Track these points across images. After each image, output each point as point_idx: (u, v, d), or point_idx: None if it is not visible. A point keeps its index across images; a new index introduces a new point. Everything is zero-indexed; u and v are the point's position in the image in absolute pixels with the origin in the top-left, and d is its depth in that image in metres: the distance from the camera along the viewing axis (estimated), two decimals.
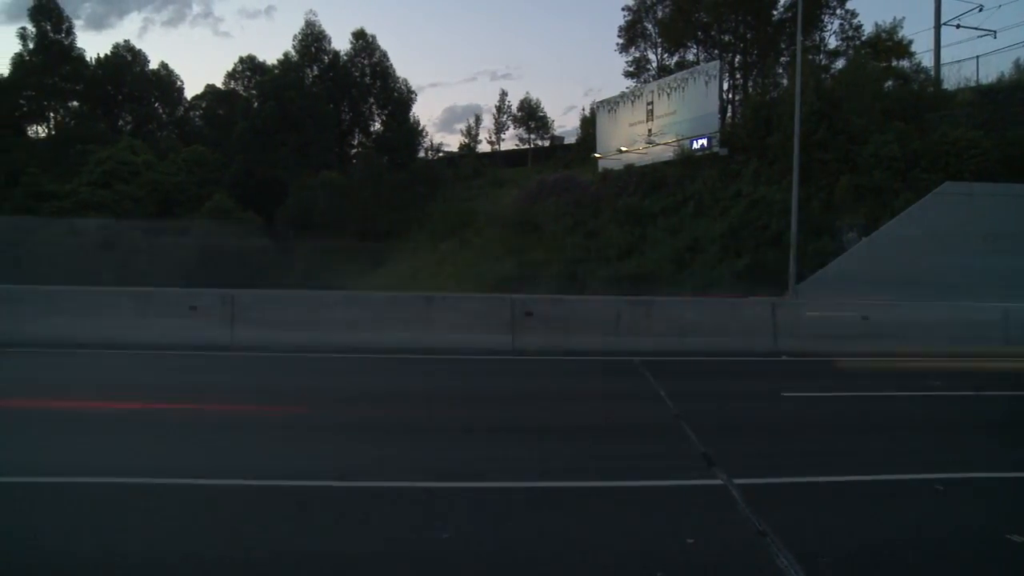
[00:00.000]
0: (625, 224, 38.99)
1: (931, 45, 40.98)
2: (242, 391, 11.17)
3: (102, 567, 5.16)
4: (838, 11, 52.90)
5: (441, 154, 74.09)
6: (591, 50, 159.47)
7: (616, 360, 13.89)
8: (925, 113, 31.87)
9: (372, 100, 71.85)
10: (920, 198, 23.31)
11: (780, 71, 51.94)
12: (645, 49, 62.51)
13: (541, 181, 50.28)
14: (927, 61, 44.10)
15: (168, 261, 47.96)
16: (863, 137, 31.18)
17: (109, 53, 78.66)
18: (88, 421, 8.95)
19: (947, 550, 5.70)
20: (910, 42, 44.33)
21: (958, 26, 37.91)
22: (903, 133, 30.18)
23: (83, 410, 9.45)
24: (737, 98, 54.48)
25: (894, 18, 54.53)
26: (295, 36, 70.67)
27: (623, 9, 61.73)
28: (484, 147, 78.18)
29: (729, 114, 50.28)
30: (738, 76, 55.91)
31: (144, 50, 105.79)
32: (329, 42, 70.75)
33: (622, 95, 49.92)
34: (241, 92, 77.27)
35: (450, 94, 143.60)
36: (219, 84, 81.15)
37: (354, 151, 72.08)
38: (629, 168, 44.41)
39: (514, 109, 77.61)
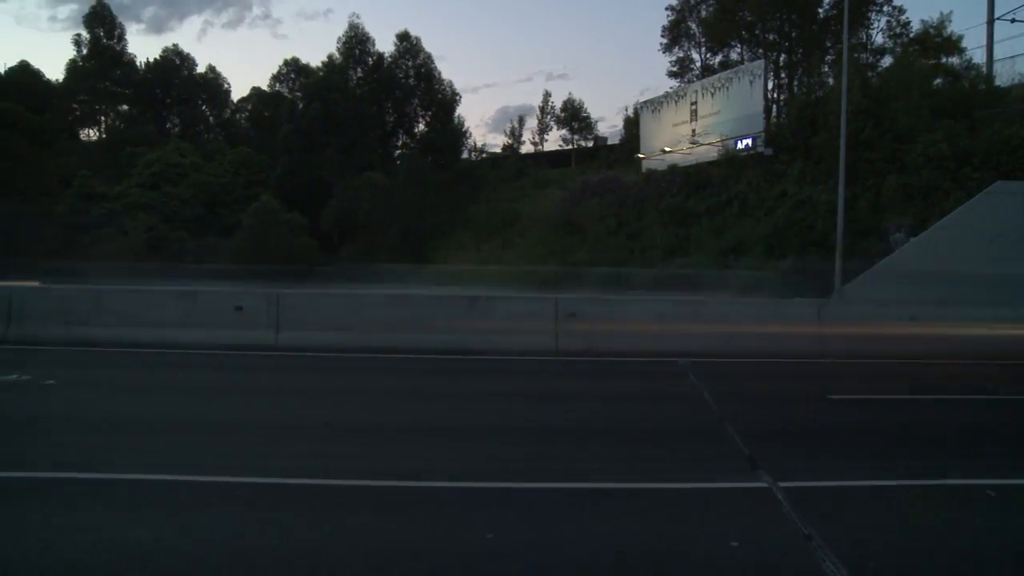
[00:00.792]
0: (669, 225, 38.85)
1: (983, 41, 40.34)
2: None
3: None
4: (885, 8, 52.26)
5: (485, 155, 74.30)
6: (648, 50, 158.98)
7: (659, 361, 13.86)
8: (976, 110, 31.35)
9: (416, 101, 72.22)
10: (971, 198, 22.92)
11: (826, 70, 51.36)
12: (689, 49, 62.28)
13: (585, 182, 50.19)
14: (978, 57, 43.29)
15: (214, 262, 48.60)
16: (911, 136, 30.79)
17: (158, 57, 79.87)
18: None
19: (999, 557, 5.62)
20: (960, 38, 43.63)
21: (1012, 20, 37.21)
22: (953, 131, 29.74)
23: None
24: (782, 97, 54.03)
25: (942, 14, 53.51)
26: (339, 39, 71.24)
27: (667, 9, 61.57)
28: (528, 148, 78.29)
29: (774, 114, 49.88)
30: (783, 75, 55.42)
31: (204, 53, 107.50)
32: (373, 44, 71.28)
33: (666, 95, 49.72)
34: (286, 94, 78.13)
35: (504, 94, 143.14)
36: (264, 86, 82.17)
37: (398, 152, 72.53)
38: (673, 168, 44.20)
39: (557, 110, 77.62)
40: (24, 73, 79.06)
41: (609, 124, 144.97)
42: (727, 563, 5.29)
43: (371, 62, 71.03)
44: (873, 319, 15.60)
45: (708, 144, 42.77)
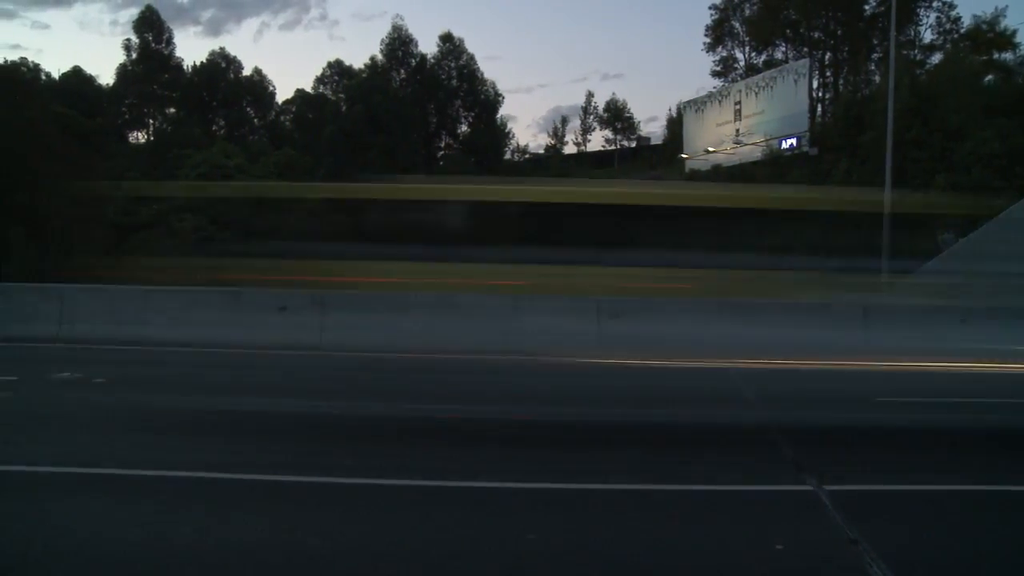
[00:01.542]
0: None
1: None
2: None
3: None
4: (934, 3, 51.40)
5: (528, 155, 74.29)
6: (691, 49, 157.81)
7: (704, 363, 13.76)
8: None
9: (459, 102, 72.40)
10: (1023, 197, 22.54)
11: (872, 68, 50.76)
12: (732, 48, 61.79)
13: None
14: None
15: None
16: (961, 134, 30.32)
17: (205, 60, 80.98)
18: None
19: None
20: (1014, 32, 42.71)
21: None
22: (1005, 129, 29.21)
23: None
24: (827, 97, 53.41)
25: (995, 8, 52.37)
26: (382, 40, 71.66)
27: (710, 8, 61.13)
28: (571, 148, 78.16)
29: (819, 113, 49.33)
30: (828, 74, 54.80)
31: (259, 55, 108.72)
32: (416, 45, 71.57)
33: (709, 95, 49.47)
34: (330, 96, 78.72)
35: (559, 95, 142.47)
36: (308, 88, 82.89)
37: (441, 153, 72.76)
38: (716, 168, 43.96)
39: (600, 110, 77.41)
40: (77, 78, 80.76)
41: (659, 123, 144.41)
42: (771, 566, 5.25)
43: (414, 63, 71.33)
44: (921, 321, 15.36)
45: (752, 144, 42.49)
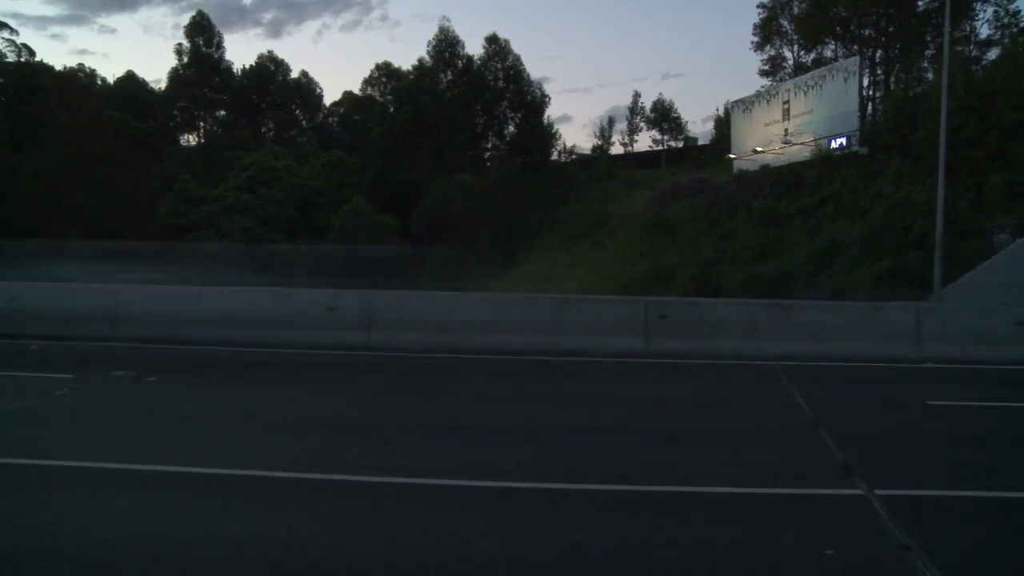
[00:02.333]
0: (761, 226, 38.21)
1: None
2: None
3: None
4: None
5: (574, 156, 74.22)
6: (738, 48, 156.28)
7: (751, 364, 13.66)
8: None
9: (505, 103, 72.54)
10: None
11: (925, 65, 49.79)
12: (781, 47, 61.12)
13: (675, 183, 49.76)
14: None
15: (306, 262, 49.63)
16: (1019, 131, 29.68)
17: (254, 64, 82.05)
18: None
19: None
20: None
21: None
22: None
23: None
24: (878, 95, 52.64)
25: None
26: (429, 42, 72.03)
27: (758, 6, 60.48)
28: (618, 149, 77.92)
29: (869, 111, 48.64)
30: (879, 72, 54.00)
31: (318, 55, 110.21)
32: (463, 47, 71.85)
33: (757, 94, 48.97)
34: (377, 98, 79.33)
35: (617, 95, 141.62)
36: (356, 90, 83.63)
37: (488, 154, 73.02)
38: (765, 169, 43.50)
39: (647, 110, 77.04)
40: (131, 83, 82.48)
41: (706, 123, 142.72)
42: (821, 571, 5.21)
43: (461, 65, 71.60)
44: (975, 324, 15.08)
45: (801, 144, 41.96)
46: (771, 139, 45.21)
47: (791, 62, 60.16)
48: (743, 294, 26.69)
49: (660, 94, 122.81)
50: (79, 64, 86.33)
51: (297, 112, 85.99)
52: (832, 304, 18.18)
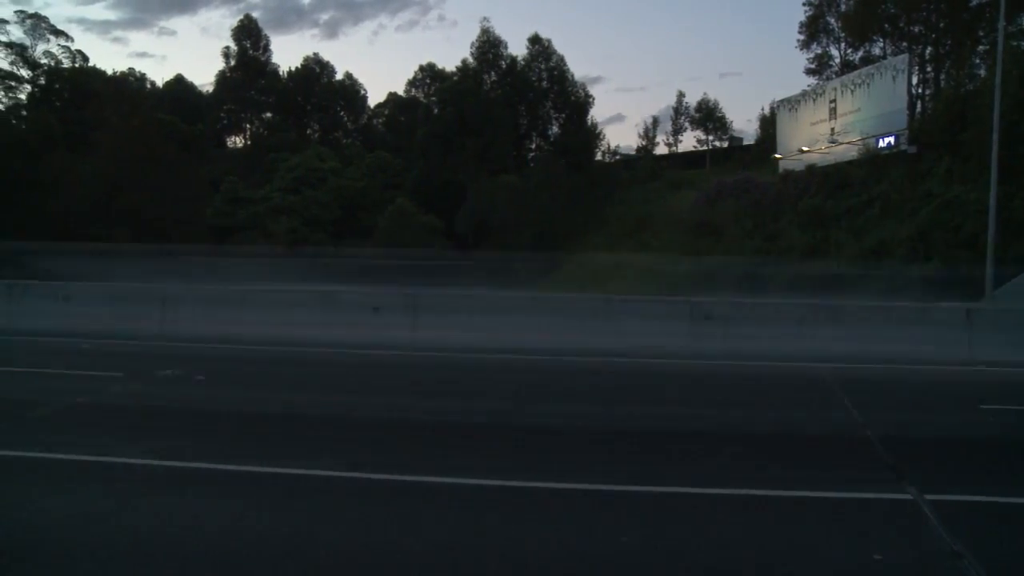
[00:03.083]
0: (807, 226, 37.89)
1: None
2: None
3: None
4: None
5: (618, 156, 74.00)
6: (784, 47, 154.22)
7: (797, 366, 13.53)
8: None
9: (549, 103, 72.50)
10: None
11: (977, 61, 48.85)
12: (827, 45, 60.42)
13: (720, 183, 49.43)
14: None
15: (352, 262, 50.03)
16: None
17: (299, 66, 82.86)
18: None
19: None
20: None
21: None
22: None
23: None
24: (927, 93, 51.84)
25: None
26: (472, 43, 72.22)
27: (804, 4, 59.84)
28: (662, 149, 77.50)
29: (918, 110, 47.91)
30: (928, 69, 53.14)
31: (374, 55, 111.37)
32: (506, 48, 71.94)
33: (803, 93, 48.54)
34: (421, 99, 79.69)
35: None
36: (400, 92, 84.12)
37: (531, 154, 73.01)
38: (811, 168, 43.11)
39: (692, 110, 76.50)
40: (179, 86, 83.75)
41: (750, 122, 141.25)
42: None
43: (504, 66, 71.68)
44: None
45: (848, 143, 41.51)
46: (817, 138, 44.77)
47: (838, 60, 59.49)
48: (789, 295, 26.45)
49: (704, 93, 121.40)
50: (131, 68, 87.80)
51: (342, 114, 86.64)
52: (880, 305, 17.95)
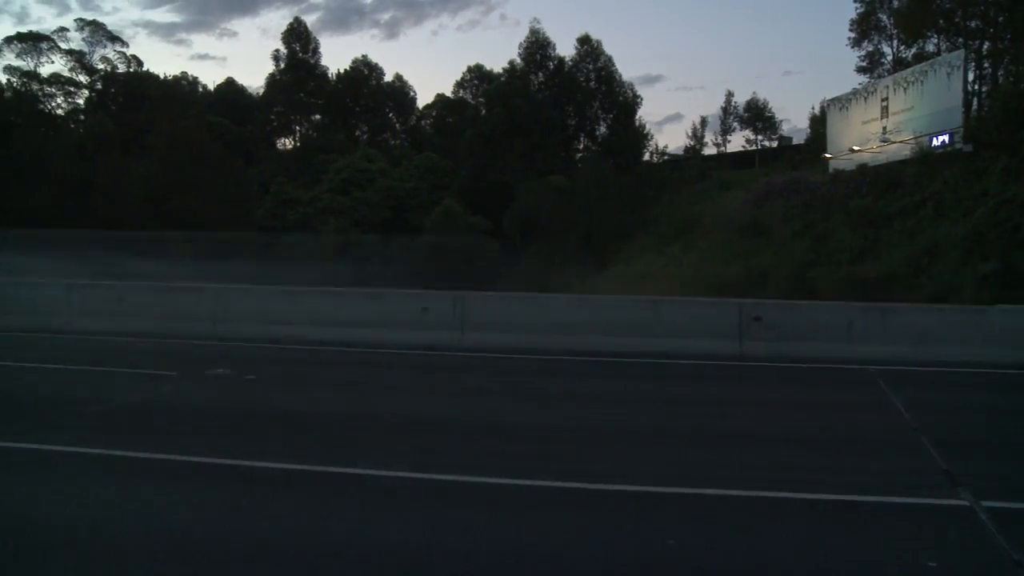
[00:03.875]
0: (858, 227, 37.30)
1: None
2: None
3: None
4: None
5: (666, 157, 73.63)
6: (834, 45, 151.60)
7: (848, 369, 13.32)
8: None
9: (597, 104, 72.38)
10: None
11: None
12: (879, 42, 59.44)
13: (769, 183, 48.85)
14: None
15: (400, 263, 50.36)
16: None
17: (348, 68, 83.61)
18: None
19: None
20: None
21: None
22: None
23: None
24: (983, 89, 50.75)
25: None
26: (520, 44, 72.28)
27: (855, 1, 58.94)
28: (711, 149, 76.94)
29: (974, 107, 46.94)
30: (985, 65, 52.01)
31: (438, 54, 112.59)
32: (554, 48, 71.93)
33: (854, 92, 47.83)
34: (469, 100, 79.99)
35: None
36: (448, 93, 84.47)
37: (579, 155, 72.96)
38: (862, 168, 42.45)
39: (741, 109, 75.84)
40: (230, 89, 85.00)
41: (793, 121, 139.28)
42: None
43: (552, 66, 71.68)
44: None
45: (900, 142, 40.80)
46: (868, 137, 44.09)
47: (890, 58, 58.51)
48: (839, 296, 26.06)
49: (753, 93, 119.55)
50: (183, 72, 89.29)
51: (391, 115, 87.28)
52: (933, 307, 17.61)
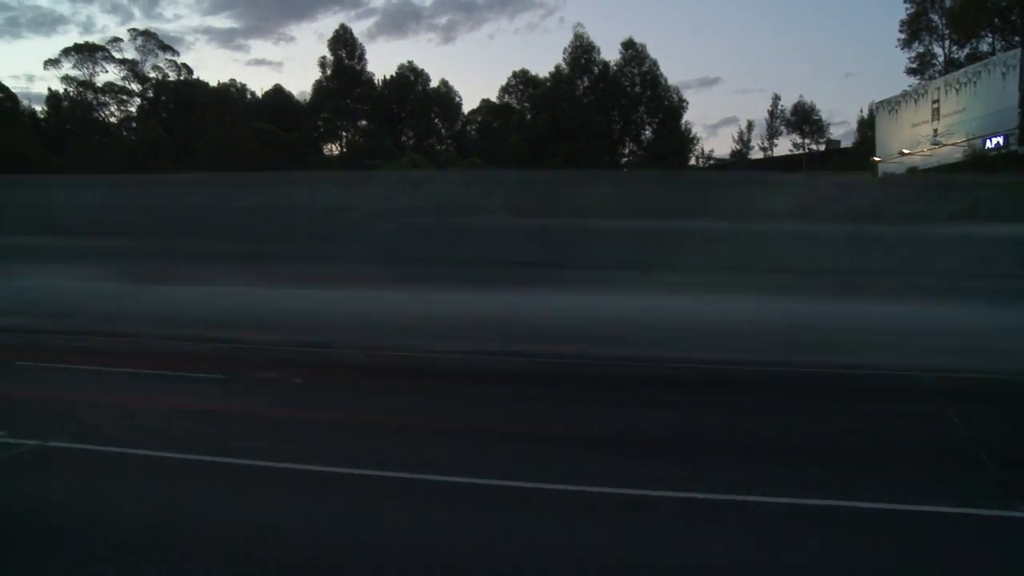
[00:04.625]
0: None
1: None
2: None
3: None
4: None
5: (712, 161, 73.13)
6: (883, 47, 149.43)
7: (900, 375, 13.08)
8: None
9: (642, 109, 72.17)
10: None
11: None
12: (930, 43, 58.54)
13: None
14: None
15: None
16: None
17: (394, 74, 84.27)
18: None
19: None
20: None
21: None
22: None
23: None
24: None
25: None
26: (565, 49, 72.32)
27: (905, 1, 58.13)
28: (757, 153, 76.30)
29: None
30: None
31: (491, 56, 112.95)
32: (598, 53, 71.84)
33: (903, 94, 47.26)
34: (514, 105, 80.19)
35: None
36: (493, 98, 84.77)
37: (625, 159, 72.75)
38: (912, 171, 41.88)
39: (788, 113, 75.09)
40: (278, 96, 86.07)
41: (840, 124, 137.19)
42: None
43: (597, 71, 71.60)
44: None
45: (952, 144, 40.21)
46: (919, 140, 43.54)
47: (941, 59, 57.60)
48: (889, 301, 25.64)
49: (800, 96, 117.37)
50: (232, 79, 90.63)
51: (436, 120, 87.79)
52: (986, 312, 17.24)
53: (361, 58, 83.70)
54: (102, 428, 9.01)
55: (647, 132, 72.83)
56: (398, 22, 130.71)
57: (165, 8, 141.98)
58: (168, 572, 5.24)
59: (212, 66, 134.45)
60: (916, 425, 9.94)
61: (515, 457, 8.01)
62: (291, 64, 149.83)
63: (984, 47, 53.52)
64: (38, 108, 78.22)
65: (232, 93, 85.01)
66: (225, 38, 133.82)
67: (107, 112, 77.29)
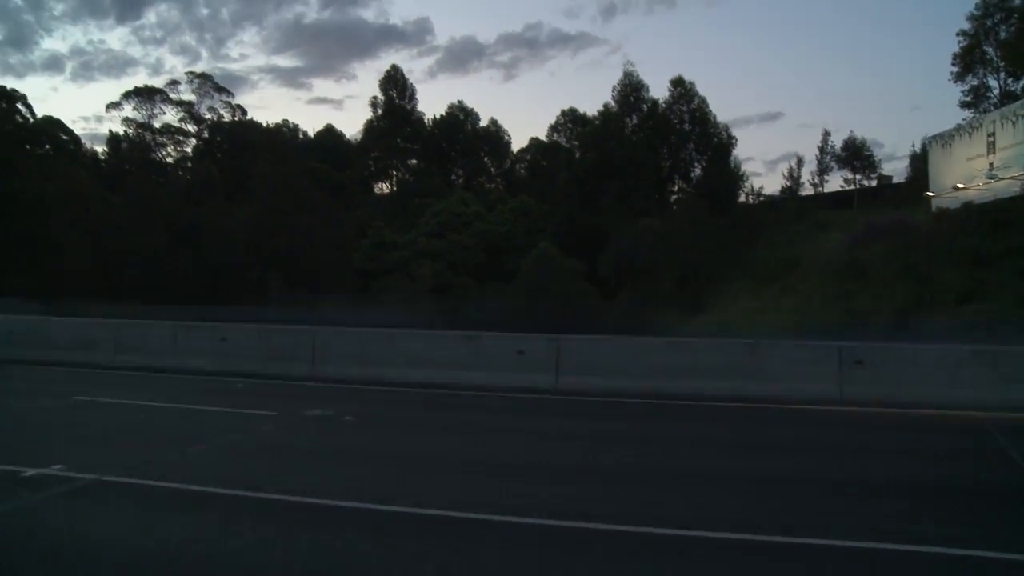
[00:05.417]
0: (963, 267, 36.16)
1: None
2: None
3: None
4: None
5: (762, 198, 72.61)
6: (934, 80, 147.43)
7: (955, 414, 12.81)
8: None
9: (691, 146, 72.07)
10: None
11: None
12: (985, 75, 57.72)
13: (869, 223, 47.74)
14: None
15: (495, 306, 50.69)
16: None
17: (444, 114, 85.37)
18: None
19: None
20: None
21: None
22: None
23: None
24: None
25: None
26: (614, 87, 72.55)
27: (958, 34, 57.43)
28: (808, 190, 75.49)
29: None
30: None
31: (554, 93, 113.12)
32: (647, 91, 71.96)
33: (957, 128, 46.60)
34: (563, 143, 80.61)
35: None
36: (542, 137, 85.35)
37: (674, 197, 72.61)
38: (967, 206, 41.22)
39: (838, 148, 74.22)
40: (329, 135, 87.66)
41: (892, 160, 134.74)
42: None
43: (646, 109, 71.69)
44: None
45: (1009, 178, 39.51)
46: (974, 175, 42.85)
47: (996, 91, 56.76)
48: (945, 339, 25.24)
49: (851, 131, 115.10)
50: (284, 120, 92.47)
51: (486, 159, 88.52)
52: None
53: (412, 97, 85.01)
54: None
55: (696, 170, 72.64)
56: (461, 59, 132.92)
57: (232, 48, 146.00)
58: None
59: (276, 105, 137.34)
60: (973, 466, 9.71)
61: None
62: (351, 102, 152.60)
63: None
64: (99, 149, 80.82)
65: (284, 133, 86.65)
66: (288, 77, 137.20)
67: (164, 152, 79.57)
